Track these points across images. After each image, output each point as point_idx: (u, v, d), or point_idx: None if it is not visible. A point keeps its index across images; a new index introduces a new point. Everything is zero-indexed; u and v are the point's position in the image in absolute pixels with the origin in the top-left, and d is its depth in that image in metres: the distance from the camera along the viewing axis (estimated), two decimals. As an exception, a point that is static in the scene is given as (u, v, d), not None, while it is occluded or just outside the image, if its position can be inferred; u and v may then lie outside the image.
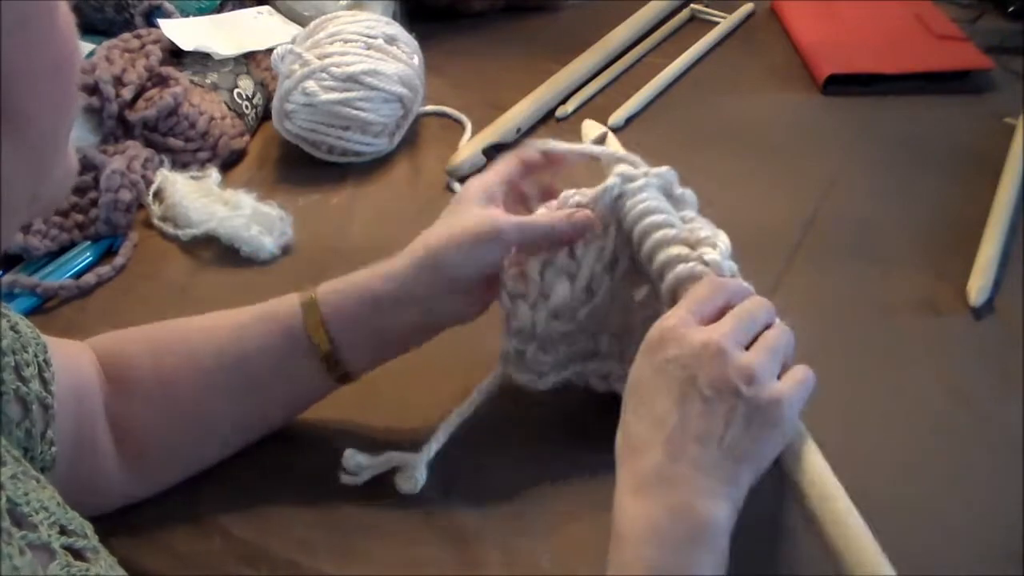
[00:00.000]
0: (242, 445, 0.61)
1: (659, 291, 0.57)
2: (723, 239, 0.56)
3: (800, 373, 0.50)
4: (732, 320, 0.50)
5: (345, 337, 0.58)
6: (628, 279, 0.60)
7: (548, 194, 0.65)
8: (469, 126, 0.96)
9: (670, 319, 0.50)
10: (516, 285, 0.60)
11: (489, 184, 0.62)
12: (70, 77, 0.39)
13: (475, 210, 0.60)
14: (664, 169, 0.61)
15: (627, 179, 0.59)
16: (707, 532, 0.46)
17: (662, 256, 0.55)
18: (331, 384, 0.60)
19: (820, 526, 0.47)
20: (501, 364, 0.62)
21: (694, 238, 0.56)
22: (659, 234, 0.56)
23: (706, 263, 0.54)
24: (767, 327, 0.51)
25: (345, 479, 0.59)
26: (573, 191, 0.61)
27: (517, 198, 0.65)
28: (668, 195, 0.60)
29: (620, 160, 0.62)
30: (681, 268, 0.54)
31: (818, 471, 0.49)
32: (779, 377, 0.50)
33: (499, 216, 0.59)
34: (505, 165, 0.64)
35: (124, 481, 0.57)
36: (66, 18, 0.37)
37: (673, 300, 0.54)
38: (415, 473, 0.59)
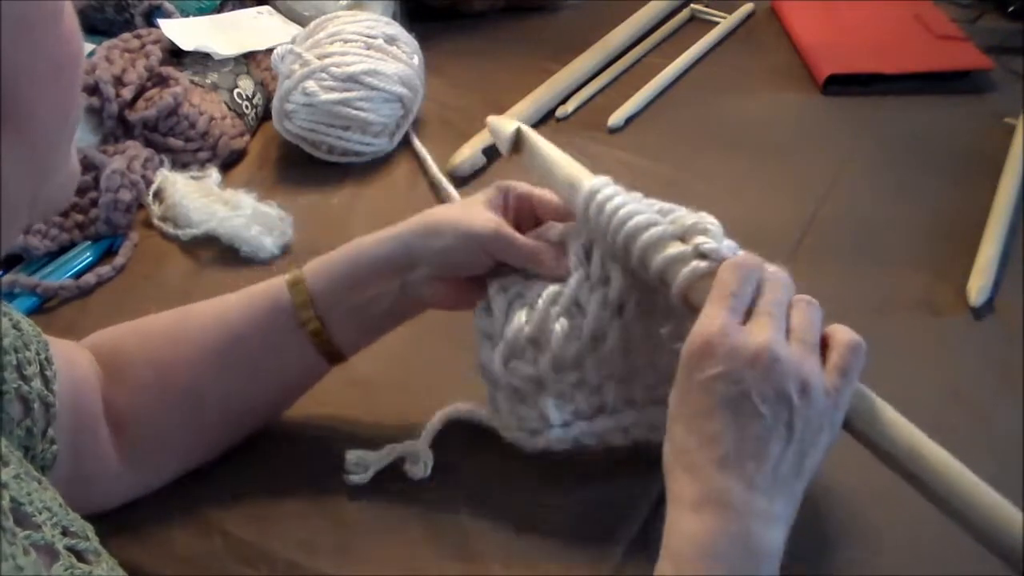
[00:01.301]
0: (235, 436, 0.61)
1: (654, 305, 0.55)
2: (711, 220, 0.53)
3: (842, 359, 0.48)
4: (769, 319, 0.47)
5: (332, 314, 0.58)
6: (632, 322, 0.56)
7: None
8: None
9: (710, 325, 0.47)
10: (481, 320, 0.58)
11: (508, 191, 0.60)
12: (73, 79, 0.39)
13: (474, 208, 0.58)
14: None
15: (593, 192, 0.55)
16: (763, 560, 0.45)
17: (659, 260, 0.51)
18: (320, 363, 0.60)
19: (921, 481, 0.48)
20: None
21: (682, 228, 0.52)
22: (647, 236, 0.52)
23: (704, 255, 0.51)
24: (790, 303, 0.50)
25: (352, 479, 0.59)
26: (552, 223, 0.59)
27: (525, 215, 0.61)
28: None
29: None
30: (685, 270, 0.51)
31: (899, 428, 0.49)
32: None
33: (491, 222, 0.57)
34: (540, 194, 0.61)
35: (123, 475, 0.58)
36: (71, 20, 0.37)
37: (685, 302, 0.51)
38: (422, 457, 0.60)
